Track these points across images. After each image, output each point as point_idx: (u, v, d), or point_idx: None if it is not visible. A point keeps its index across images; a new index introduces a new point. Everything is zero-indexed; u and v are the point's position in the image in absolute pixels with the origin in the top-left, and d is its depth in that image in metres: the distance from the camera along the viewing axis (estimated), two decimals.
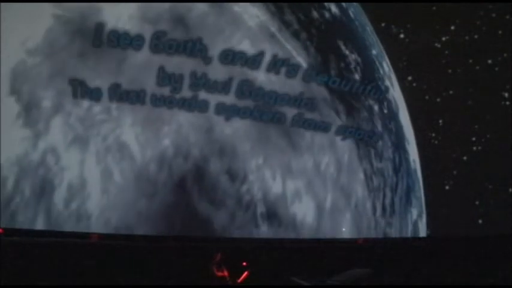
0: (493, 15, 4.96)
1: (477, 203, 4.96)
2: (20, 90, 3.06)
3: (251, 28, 3.79)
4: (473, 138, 5.03)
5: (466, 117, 5.00)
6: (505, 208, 4.81)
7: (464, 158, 5.01)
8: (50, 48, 3.15)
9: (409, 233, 4.76)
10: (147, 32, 3.60)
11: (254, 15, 3.80)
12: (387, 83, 4.76)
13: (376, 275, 3.94)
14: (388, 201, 4.54)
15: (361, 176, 4.36)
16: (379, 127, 4.50)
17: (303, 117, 4.15)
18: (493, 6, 4.95)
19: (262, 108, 4.01)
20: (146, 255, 3.62)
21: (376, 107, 4.54)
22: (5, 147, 2.98)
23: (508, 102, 5.03)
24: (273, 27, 3.87)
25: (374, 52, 4.75)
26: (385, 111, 4.66)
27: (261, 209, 3.76)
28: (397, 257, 4.36)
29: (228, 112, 3.90)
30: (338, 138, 4.22)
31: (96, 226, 3.28)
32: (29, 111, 3.07)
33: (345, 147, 4.27)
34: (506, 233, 4.57)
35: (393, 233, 4.59)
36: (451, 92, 5.01)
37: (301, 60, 3.93)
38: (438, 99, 5.00)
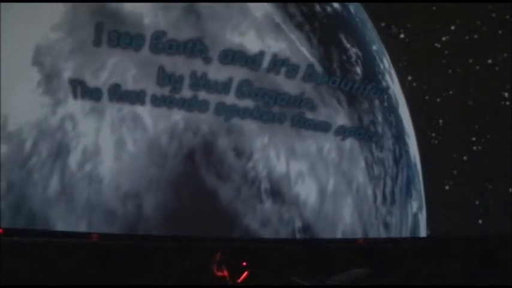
0: (493, 15, 4.96)
1: (477, 203, 4.96)
2: (42, 61, 3.21)
3: (257, 19, 3.89)
4: (473, 138, 5.03)
5: (466, 117, 5.00)
6: (505, 208, 4.81)
7: (464, 158, 5.02)
8: (71, 25, 3.29)
9: (409, 225, 4.79)
10: (147, 32, 3.60)
11: (260, 6, 3.90)
12: (387, 78, 4.79)
13: (376, 275, 3.94)
14: (388, 190, 4.59)
15: (362, 163, 4.44)
16: (380, 119, 4.56)
17: (303, 117, 4.16)
18: (493, 6, 4.95)
19: (262, 108, 4.01)
20: (146, 255, 3.62)
21: (376, 101, 4.58)
22: (25, 111, 3.16)
23: (508, 102, 5.03)
24: (278, 18, 3.96)
25: (374, 48, 4.77)
26: (385, 104, 4.70)
27: (265, 185, 3.89)
28: (397, 257, 4.36)
29: (228, 112, 3.91)
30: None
31: (108, 190, 3.37)
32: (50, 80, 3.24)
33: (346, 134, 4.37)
34: (506, 233, 4.57)
35: (393, 222, 4.63)
36: (451, 92, 5.01)
37: (304, 50, 4.02)
38: (438, 99, 5.00)
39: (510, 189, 4.95)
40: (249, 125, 3.88)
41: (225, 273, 3.33)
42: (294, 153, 4.04)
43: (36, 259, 3.29)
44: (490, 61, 5.01)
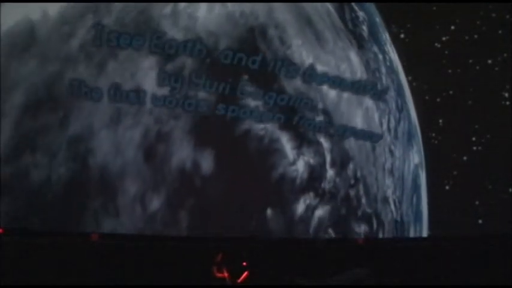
0: (493, 15, 4.97)
1: (477, 203, 4.96)
2: None
3: None
4: (473, 138, 5.04)
5: (466, 117, 5.01)
6: (505, 208, 4.81)
7: (464, 158, 5.02)
8: None
9: (411, 170, 4.94)
10: (147, 32, 3.61)
11: None
12: (389, 47, 4.93)
13: (376, 275, 3.95)
14: (392, 126, 4.78)
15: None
16: (384, 71, 4.79)
17: (304, 116, 4.18)
18: (493, 6, 4.95)
19: (263, 109, 4.02)
20: (146, 255, 3.62)
21: (380, 56, 4.82)
22: None
23: (508, 102, 5.04)
24: None
25: (377, 20, 4.89)
26: (388, 64, 4.87)
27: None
28: (397, 257, 4.37)
29: (228, 112, 3.92)
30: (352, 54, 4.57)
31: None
32: None
33: (357, 65, 4.59)
34: (506, 233, 4.57)
35: (397, 154, 4.80)
36: (451, 92, 5.01)
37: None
38: (438, 99, 5.01)
39: (510, 189, 4.96)
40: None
41: (225, 274, 3.33)
42: (319, 58, 4.34)
43: (36, 259, 3.30)
44: (490, 61, 5.01)
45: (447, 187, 4.98)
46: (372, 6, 4.88)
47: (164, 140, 3.69)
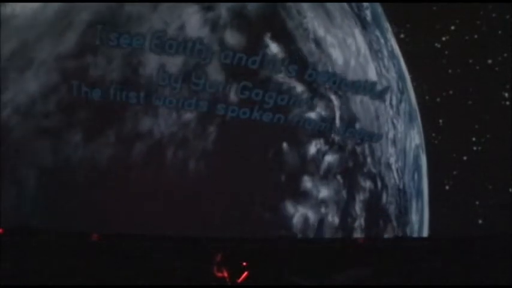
0: (493, 15, 4.97)
1: (477, 203, 4.97)
2: None
3: None
4: (473, 138, 5.04)
5: (466, 117, 5.01)
6: (505, 208, 4.82)
7: (464, 158, 5.02)
8: None
9: (412, 147, 5.03)
10: (147, 32, 3.62)
11: None
12: (389, 36, 5.02)
13: (376, 275, 3.95)
14: (394, 103, 4.86)
15: (373, 71, 4.71)
16: (385, 53, 4.89)
17: (303, 116, 4.18)
18: (493, 6, 4.95)
19: (263, 109, 4.02)
20: (146, 255, 3.62)
21: (382, 40, 4.93)
22: None
23: (508, 102, 5.04)
24: None
25: (379, 10, 4.96)
26: (389, 49, 4.96)
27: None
28: (397, 257, 4.37)
29: (227, 112, 3.92)
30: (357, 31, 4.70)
31: None
32: None
33: (361, 42, 4.71)
34: (506, 233, 4.58)
35: (399, 129, 4.89)
36: (451, 92, 5.02)
37: None
38: (438, 99, 5.01)
39: (510, 189, 4.96)
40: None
41: (225, 273, 3.33)
42: (329, 31, 4.47)
43: (36, 259, 3.30)
44: (490, 61, 5.02)
45: (447, 187, 4.98)
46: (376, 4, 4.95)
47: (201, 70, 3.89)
